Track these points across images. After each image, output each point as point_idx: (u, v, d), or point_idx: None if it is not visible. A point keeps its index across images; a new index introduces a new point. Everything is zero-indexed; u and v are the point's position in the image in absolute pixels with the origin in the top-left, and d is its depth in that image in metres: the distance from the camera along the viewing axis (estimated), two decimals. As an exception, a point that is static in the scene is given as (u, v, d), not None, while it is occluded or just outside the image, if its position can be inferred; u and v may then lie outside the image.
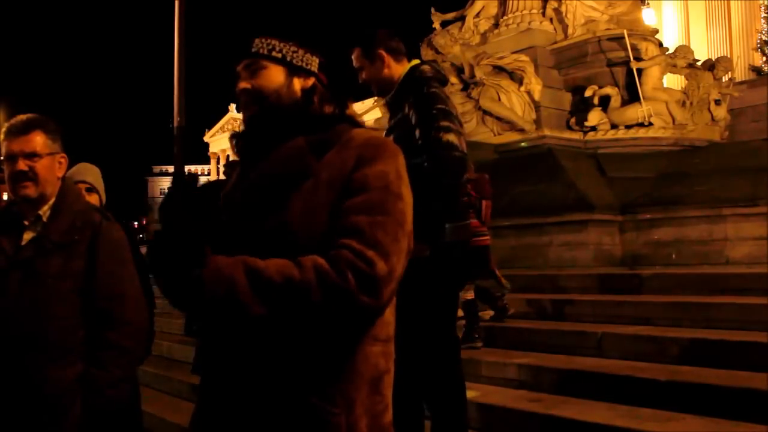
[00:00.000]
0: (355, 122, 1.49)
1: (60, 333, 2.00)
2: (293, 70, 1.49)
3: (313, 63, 1.52)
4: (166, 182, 55.29)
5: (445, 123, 2.88)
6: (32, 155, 2.08)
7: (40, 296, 2.00)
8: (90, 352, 2.03)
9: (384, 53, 3.02)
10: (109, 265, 2.08)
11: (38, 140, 2.10)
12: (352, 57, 3.09)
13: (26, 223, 2.11)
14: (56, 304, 2.01)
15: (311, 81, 1.51)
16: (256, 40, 1.50)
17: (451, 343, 3.10)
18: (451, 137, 2.86)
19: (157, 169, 79.70)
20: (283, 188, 1.35)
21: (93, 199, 3.05)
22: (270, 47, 1.48)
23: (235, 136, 1.52)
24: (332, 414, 1.28)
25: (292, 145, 1.41)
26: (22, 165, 2.07)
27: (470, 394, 4.12)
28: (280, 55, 1.48)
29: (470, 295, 5.20)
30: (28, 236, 2.09)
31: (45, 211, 2.12)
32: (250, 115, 1.48)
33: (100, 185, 3.13)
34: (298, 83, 1.49)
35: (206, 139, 70.91)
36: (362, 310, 1.26)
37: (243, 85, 1.48)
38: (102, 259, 2.07)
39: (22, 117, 2.14)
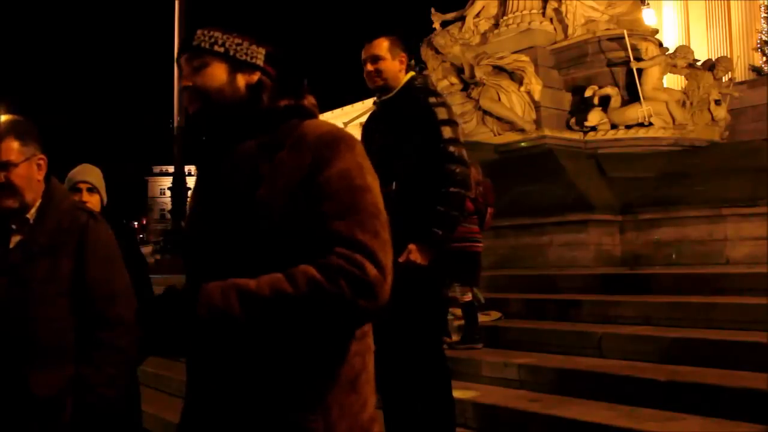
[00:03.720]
0: (305, 113, 1.43)
1: (50, 337, 1.96)
2: (236, 65, 1.42)
3: (259, 55, 1.44)
4: (166, 182, 55.29)
5: (452, 135, 3.00)
6: (6, 165, 1.99)
7: (27, 301, 1.95)
8: (82, 353, 1.98)
9: (404, 58, 3.14)
10: (97, 266, 2.02)
11: (10, 148, 2.00)
12: (375, 44, 3.11)
13: (14, 226, 2.04)
14: (44, 308, 1.96)
15: (256, 76, 1.43)
16: (199, 32, 1.43)
17: (438, 349, 3.12)
18: (460, 150, 2.97)
19: (157, 169, 79.65)
20: (239, 199, 1.32)
21: (94, 199, 3.08)
22: (212, 40, 1.41)
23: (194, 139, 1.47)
24: (310, 420, 1.27)
25: (243, 151, 1.37)
26: None
27: (470, 394, 4.13)
28: (222, 50, 1.41)
29: (468, 297, 5.21)
30: (15, 240, 2.04)
31: (32, 213, 2.05)
32: (192, 111, 1.43)
33: (101, 185, 3.16)
34: (242, 79, 1.42)
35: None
36: (360, 314, 1.26)
37: (185, 82, 1.42)
38: (90, 259, 2.01)
39: None
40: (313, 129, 1.36)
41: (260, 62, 1.44)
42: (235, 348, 1.27)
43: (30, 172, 2.04)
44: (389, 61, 3.09)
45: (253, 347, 1.26)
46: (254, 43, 1.44)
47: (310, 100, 1.45)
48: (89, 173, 3.14)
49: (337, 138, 1.34)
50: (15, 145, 2.01)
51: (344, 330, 1.32)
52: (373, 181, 1.34)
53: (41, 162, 2.08)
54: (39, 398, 1.92)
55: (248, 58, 1.43)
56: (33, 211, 2.05)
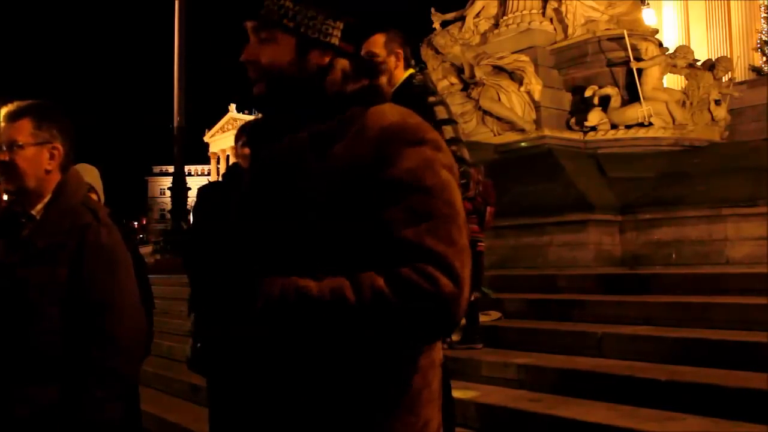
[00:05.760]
0: (375, 97, 1.27)
1: (41, 347, 1.78)
2: (307, 43, 1.24)
3: (335, 31, 1.26)
4: (166, 182, 55.42)
5: (453, 135, 3.00)
6: (11, 145, 1.87)
7: (20, 306, 1.79)
8: (72, 370, 1.78)
9: (401, 54, 3.08)
10: (95, 273, 1.82)
11: (21, 129, 1.87)
12: (371, 41, 3.05)
13: (23, 221, 1.91)
14: (37, 317, 1.79)
15: (328, 56, 1.26)
16: (267, 0, 1.25)
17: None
18: (461, 149, 2.97)
19: (157, 169, 79.74)
20: (288, 195, 1.20)
21: (91, 199, 3.06)
22: (283, 12, 1.24)
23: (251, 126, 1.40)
24: None
25: (293, 142, 1.24)
26: (2, 156, 1.86)
27: (470, 394, 4.13)
28: (292, 24, 1.23)
29: (471, 296, 5.21)
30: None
31: (39, 210, 1.90)
32: (257, 93, 1.27)
33: (98, 186, 3.14)
34: (314, 59, 1.25)
35: (206, 139, 70.98)
36: (430, 334, 1.16)
37: (244, 56, 1.26)
38: (88, 266, 1.82)
39: (19, 103, 1.93)
40: (377, 119, 1.20)
41: (336, 40, 1.26)
42: (283, 357, 1.17)
43: (38, 158, 1.89)
44: (383, 57, 3.07)
45: (303, 358, 1.15)
46: (331, 16, 1.26)
47: (383, 81, 1.30)
48: (86, 173, 3.09)
49: (404, 130, 1.18)
50: (27, 126, 1.89)
51: (408, 348, 1.19)
52: (448, 175, 1.17)
53: (55, 152, 1.92)
54: (20, 414, 1.76)
55: (321, 36, 1.25)
56: (40, 207, 1.91)
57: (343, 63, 1.27)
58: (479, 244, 5.48)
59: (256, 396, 1.23)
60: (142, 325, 1.93)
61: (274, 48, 1.25)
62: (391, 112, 1.24)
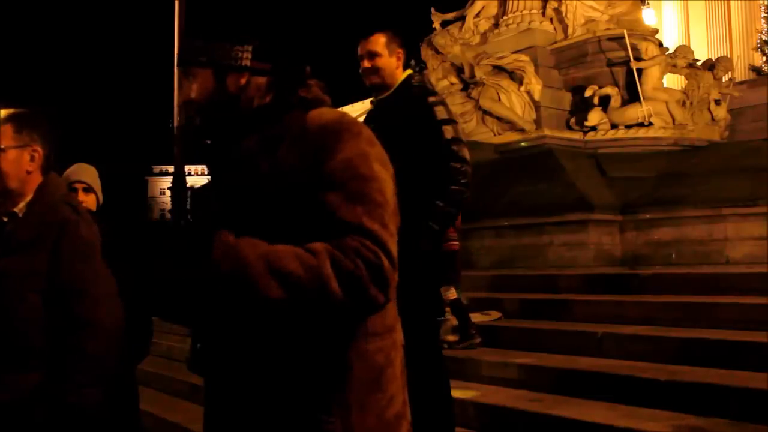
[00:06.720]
0: (307, 104, 1.39)
1: (21, 336, 1.86)
2: (222, 70, 1.39)
3: (245, 54, 1.39)
4: (166, 182, 55.31)
5: (453, 135, 3.01)
6: None
7: (2, 296, 1.87)
8: (52, 357, 1.86)
9: (401, 54, 3.11)
10: (73, 264, 1.92)
11: (3, 134, 2.00)
12: (372, 39, 3.07)
13: (5, 219, 2.01)
14: (19, 304, 1.88)
15: (245, 77, 1.39)
16: (184, 44, 1.44)
17: (435, 348, 3.10)
18: (462, 149, 2.96)
19: (157, 169, 79.68)
20: (243, 198, 1.31)
21: (90, 199, 3.06)
22: (195, 52, 1.41)
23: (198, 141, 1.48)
24: (326, 422, 1.24)
25: (245, 149, 1.36)
26: None
27: (470, 394, 4.13)
28: (205, 59, 1.39)
29: (452, 294, 5.19)
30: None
31: (21, 207, 2.01)
32: (197, 126, 1.43)
33: (97, 185, 3.13)
34: (232, 83, 1.39)
35: (206, 139, 70.86)
36: (371, 302, 1.21)
37: (181, 99, 1.47)
38: (66, 257, 1.92)
39: (2, 111, 2.06)
40: (316, 120, 1.34)
41: (247, 62, 1.39)
42: (247, 328, 1.24)
43: (19, 160, 2.02)
44: (386, 57, 3.07)
45: (265, 332, 1.23)
46: (238, 42, 1.40)
47: (311, 90, 1.41)
48: (85, 173, 3.11)
49: (340, 126, 1.31)
50: (9, 131, 2.01)
51: (352, 322, 1.28)
52: (380, 169, 1.30)
53: (35, 154, 2.04)
54: (3, 402, 1.82)
55: (232, 62, 1.39)
56: (22, 205, 2.01)
57: (258, 81, 1.41)
58: (453, 243, 5.47)
59: (240, 383, 1.30)
60: (120, 313, 1.99)
61: (197, 83, 1.41)
62: (328, 113, 1.38)
